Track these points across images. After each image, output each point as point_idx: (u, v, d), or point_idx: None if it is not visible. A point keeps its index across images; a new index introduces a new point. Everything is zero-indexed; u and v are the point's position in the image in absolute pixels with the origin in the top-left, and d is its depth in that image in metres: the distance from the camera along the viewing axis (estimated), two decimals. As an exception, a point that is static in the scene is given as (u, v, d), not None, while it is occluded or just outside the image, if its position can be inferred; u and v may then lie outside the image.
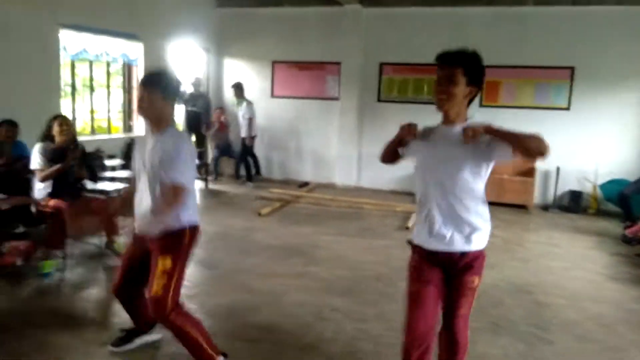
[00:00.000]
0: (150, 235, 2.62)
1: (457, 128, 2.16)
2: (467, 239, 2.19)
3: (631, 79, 7.39)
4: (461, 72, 2.12)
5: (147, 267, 2.64)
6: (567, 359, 3.16)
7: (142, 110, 2.64)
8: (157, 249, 2.60)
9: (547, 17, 7.63)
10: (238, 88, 8.47)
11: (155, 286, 2.54)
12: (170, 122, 2.70)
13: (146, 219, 2.63)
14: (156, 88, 2.61)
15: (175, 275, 2.59)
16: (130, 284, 2.83)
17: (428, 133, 2.28)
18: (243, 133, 8.45)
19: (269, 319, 3.51)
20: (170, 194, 2.56)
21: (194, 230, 2.73)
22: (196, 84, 8.63)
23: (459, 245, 2.19)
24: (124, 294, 2.88)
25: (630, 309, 3.98)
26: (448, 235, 2.19)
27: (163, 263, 2.56)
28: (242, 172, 8.84)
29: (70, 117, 6.14)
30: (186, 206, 2.63)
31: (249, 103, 8.43)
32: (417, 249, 2.31)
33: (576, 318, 3.75)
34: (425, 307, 2.23)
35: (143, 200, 2.66)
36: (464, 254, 2.20)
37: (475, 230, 2.19)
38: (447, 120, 2.23)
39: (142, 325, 3.02)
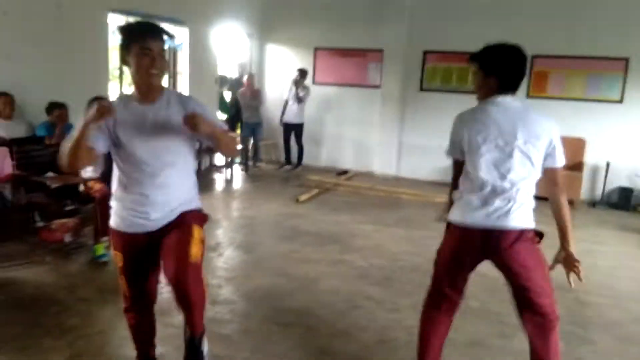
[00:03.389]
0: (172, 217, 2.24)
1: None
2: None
3: (691, 71, 7.00)
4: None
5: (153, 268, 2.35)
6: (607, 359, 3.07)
7: (158, 75, 2.14)
8: (189, 219, 2.25)
9: (600, 5, 7.28)
10: (304, 72, 8.41)
11: (194, 251, 2.17)
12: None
13: (166, 208, 2.23)
14: (163, 41, 2.14)
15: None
16: (146, 298, 2.44)
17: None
18: (300, 118, 8.47)
19: (303, 304, 3.54)
20: (228, 139, 2.28)
21: None
22: (242, 68, 8.73)
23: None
24: (144, 310, 2.47)
25: (679, 312, 3.81)
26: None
27: (199, 232, 2.24)
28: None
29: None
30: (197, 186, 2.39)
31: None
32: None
33: (619, 318, 3.62)
34: None
35: (156, 190, 2.20)
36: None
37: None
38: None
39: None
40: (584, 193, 7.48)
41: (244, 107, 8.32)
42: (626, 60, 7.29)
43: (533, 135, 2.17)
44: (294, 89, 8.35)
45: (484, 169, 2.22)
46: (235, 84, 8.69)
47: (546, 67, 7.59)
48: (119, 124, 2.14)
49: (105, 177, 4.27)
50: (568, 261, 2.24)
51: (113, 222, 2.29)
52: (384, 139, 8.65)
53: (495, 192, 2.21)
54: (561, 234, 2.24)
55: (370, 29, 8.51)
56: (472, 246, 2.28)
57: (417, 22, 8.23)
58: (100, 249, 4.09)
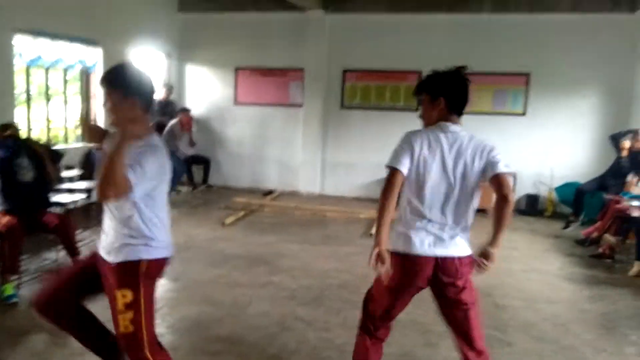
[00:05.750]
0: (108, 264, 2.27)
1: None
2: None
3: (585, 85, 7.70)
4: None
5: (92, 285, 2.37)
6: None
7: (108, 113, 2.23)
8: (113, 282, 2.25)
9: (504, 24, 7.85)
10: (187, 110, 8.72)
11: (122, 322, 2.21)
12: (148, 129, 2.26)
13: (108, 243, 2.29)
14: (118, 86, 2.17)
15: (142, 307, 2.25)
16: (73, 296, 2.40)
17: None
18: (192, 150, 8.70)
19: (232, 331, 3.48)
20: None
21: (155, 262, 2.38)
22: (167, 89, 8.56)
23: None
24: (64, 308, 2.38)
25: (584, 308, 4.13)
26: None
27: (123, 296, 2.21)
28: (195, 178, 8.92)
29: (24, 125, 6.03)
30: (145, 237, 2.32)
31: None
32: None
33: (533, 319, 3.87)
34: None
35: (108, 220, 2.30)
36: None
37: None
38: None
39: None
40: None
41: (177, 140, 8.26)
42: (527, 75, 7.90)
43: (474, 156, 2.27)
44: (185, 135, 8.49)
45: (430, 194, 2.23)
46: (158, 108, 8.41)
47: (457, 84, 8.02)
48: None
49: (11, 210, 3.99)
50: (489, 258, 2.27)
51: None
52: (308, 157, 8.74)
53: (444, 219, 2.23)
54: (495, 235, 2.28)
55: (290, 48, 8.62)
56: (423, 276, 2.26)
57: (335, 42, 8.44)
58: (9, 289, 3.79)
